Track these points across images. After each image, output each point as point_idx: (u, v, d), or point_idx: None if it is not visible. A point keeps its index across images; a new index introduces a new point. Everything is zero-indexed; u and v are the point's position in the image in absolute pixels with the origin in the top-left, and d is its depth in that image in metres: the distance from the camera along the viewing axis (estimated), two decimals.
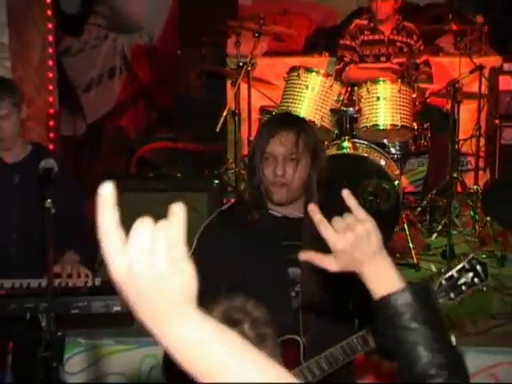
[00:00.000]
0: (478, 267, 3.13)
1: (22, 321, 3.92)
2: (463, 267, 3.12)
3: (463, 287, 3.11)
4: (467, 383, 1.96)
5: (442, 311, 3.10)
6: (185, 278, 1.30)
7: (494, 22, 7.32)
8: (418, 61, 6.66)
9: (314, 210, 2.06)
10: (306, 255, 2.03)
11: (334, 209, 3.51)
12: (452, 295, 3.11)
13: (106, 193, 1.26)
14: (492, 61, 7.29)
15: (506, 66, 7.23)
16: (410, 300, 1.93)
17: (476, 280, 3.12)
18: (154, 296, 1.29)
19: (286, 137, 3.29)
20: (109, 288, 4.14)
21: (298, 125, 3.42)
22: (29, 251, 4.32)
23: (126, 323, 4.78)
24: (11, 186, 4.43)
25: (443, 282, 3.13)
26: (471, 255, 3.18)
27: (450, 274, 3.14)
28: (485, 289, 3.28)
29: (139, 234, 1.28)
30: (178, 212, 1.28)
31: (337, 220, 2.02)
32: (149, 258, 1.27)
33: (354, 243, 1.98)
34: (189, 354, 1.32)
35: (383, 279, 1.98)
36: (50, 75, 5.76)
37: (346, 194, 2.06)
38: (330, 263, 2.01)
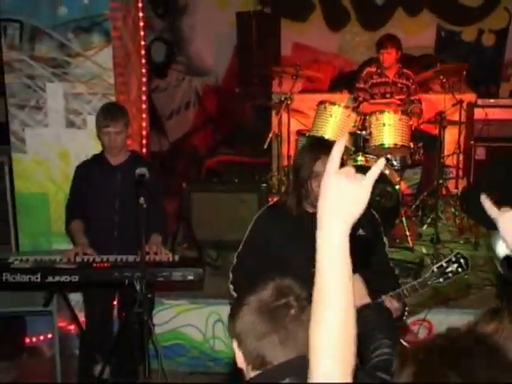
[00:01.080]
0: (462, 260, 3.12)
1: (123, 285, 3.96)
2: (450, 259, 3.12)
3: (450, 274, 3.11)
4: None
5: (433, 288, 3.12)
6: (363, 204, 1.58)
7: (469, 68, 7.22)
8: (413, 98, 6.60)
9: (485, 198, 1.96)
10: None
11: None
12: (441, 279, 3.12)
13: (341, 143, 1.69)
14: (469, 97, 7.20)
15: (479, 101, 7.17)
16: None
17: (460, 269, 3.12)
18: (344, 203, 1.59)
19: (327, 160, 3.28)
20: (184, 262, 4.20)
21: None
22: (126, 234, 4.35)
23: (197, 288, 4.81)
24: (115, 182, 4.45)
25: (435, 269, 3.14)
26: (457, 251, 3.19)
27: (440, 263, 3.15)
28: (466, 277, 3.26)
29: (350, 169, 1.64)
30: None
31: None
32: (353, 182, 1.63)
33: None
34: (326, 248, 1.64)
35: None
36: (144, 107, 5.79)
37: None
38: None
